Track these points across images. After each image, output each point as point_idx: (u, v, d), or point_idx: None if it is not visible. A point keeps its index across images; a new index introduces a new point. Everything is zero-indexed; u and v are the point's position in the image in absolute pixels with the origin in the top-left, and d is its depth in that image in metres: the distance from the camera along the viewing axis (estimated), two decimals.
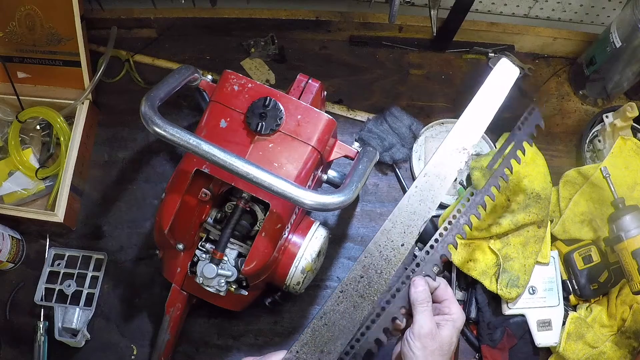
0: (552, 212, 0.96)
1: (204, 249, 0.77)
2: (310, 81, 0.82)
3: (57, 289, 0.90)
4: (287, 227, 0.76)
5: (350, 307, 0.66)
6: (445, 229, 0.73)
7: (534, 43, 1.11)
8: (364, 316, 0.66)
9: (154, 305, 0.90)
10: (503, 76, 0.73)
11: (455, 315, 0.67)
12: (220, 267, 0.73)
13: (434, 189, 0.69)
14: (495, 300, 0.90)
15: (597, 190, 0.93)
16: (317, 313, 0.66)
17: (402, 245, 0.68)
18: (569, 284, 0.91)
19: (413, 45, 1.11)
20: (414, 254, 0.96)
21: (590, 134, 1.03)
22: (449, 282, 0.92)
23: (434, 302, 0.69)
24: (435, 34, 1.05)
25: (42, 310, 0.89)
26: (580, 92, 1.09)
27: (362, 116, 1.04)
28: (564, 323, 0.89)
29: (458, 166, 0.70)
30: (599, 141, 1.02)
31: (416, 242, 0.96)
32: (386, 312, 0.69)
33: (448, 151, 0.71)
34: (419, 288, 0.67)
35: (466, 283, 0.92)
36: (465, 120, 0.72)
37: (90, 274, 0.91)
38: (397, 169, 1.00)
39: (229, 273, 0.74)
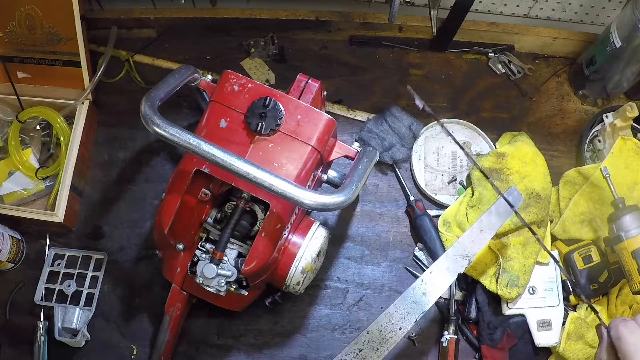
0: (552, 212, 0.96)
1: (204, 249, 0.77)
2: (310, 81, 0.82)
3: (57, 289, 0.90)
4: (287, 227, 0.76)
5: None
6: None
7: (534, 43, 1.11)
8: None
9: (154, 305, 0.90)
10: (511, 200, 0.77)
11: None
12: (220, 267, 0.73)
13: (436, 286, 0.76)
14: (495, 300, 0.90)
15: (597, 190, 0.93)
16: None
17: (400, 329, 0.74)
18: (569, 284, 0.91)
19: (413, 45, 1.11)
20: (414, 254, 0.96)
21: (590, 134, 1.03)
22: None
23: None
24: (435, 34, 1.05)
25: (42, 310, 0.89)
26: (580, 92, 1.09)
27: (362, 116, 1.04)
28: (564, 323, 0.89)
29: (459, 270, 0.77)
30: (599, 141, 1.02)
31: (415, 243, 0.96)
32: None
33: (453, 257, 0.77)
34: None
35: (466, 283, 0.92)
36: (473, 231, 0.78)
37: (90, 274, 0.91)
38: (397, 169, 1.00)
39: (229, 273, 0.74)
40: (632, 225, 0.82)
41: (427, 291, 0.75)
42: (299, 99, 0.80)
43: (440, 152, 1.03)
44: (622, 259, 0.83)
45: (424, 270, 0.94)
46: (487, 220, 0.77)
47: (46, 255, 0.92)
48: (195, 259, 0.77)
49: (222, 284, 0.74)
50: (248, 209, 0.77)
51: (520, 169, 0.94)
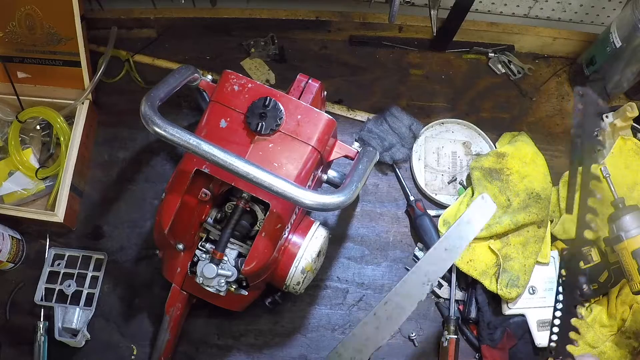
0: (552, 212, 0.96)
1: (204, 249, 0.77)
2: (310, 81, 0.82)
3: (57, 289, 0.90)
4: (287, 227, 0.76)
5: None
6: None
7: (534, 43, 1.11)
8: None
9: (154, 305, 0.90)
10: (481, 209, 0.69)
11: None
12: (220, 267, 0.73)
13: (392, 319, 0.68)
14: (495, 300, 0.90)
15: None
16: None
17: None
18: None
19: (413, 45, 1.11)
20: (414, 254, 0.96)
21: None
22: (449, 282, 0.92)
23: None
24: (435, 34, 1.05)
25: (42, 310, 0.89)
26: (580, 92, 1.09)
27: (362, 116, 1.04)
28: None
29: (420, 298, 0.68)
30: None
31: (415, 243, 0.96)
32: None
33: (413, 282, 0.68)
34: None
35: (466, 283, 0.92)
36: (436, 252, 0.68)
37: (90, 274, 0.91)
38: (397, 169, 1.00)
39: (229, 273, 0.74)
40: (632, 225, 0.82)
41: (382, 326, 0.68)
42: (299, 99, 0.80)
43: (440, 152, 1.03)
44: (622, 259, 0.83)
45: None
46: (456, 233, 0.68)
47: (46, 255, 0.92)
48: (195, 259, 0.77)
49: (222, 284, 0.74)
50: (248, 209, 0.77)
51: (520, 169, 0.94)
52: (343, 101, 1.06)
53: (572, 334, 0.85)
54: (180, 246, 0.76)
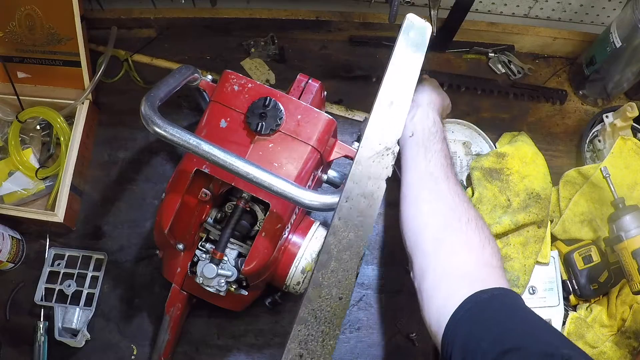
0: (552, 212, 0.96)
1: (204, 249, 0.77)
2: (310, 81, 0.82)
3: (57, 289, 0.90)
4: (287, 227, 0.76)
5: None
6: None
7: (534, 43, 1.11)
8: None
9: (154, 305, 0.90)
10: (413, 33, 0.56)
11: None
12: (220, 267, 0.73)
13: (362, 216, 0.55)
14: None
15: (597, 190, 0.93)
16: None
17: (340, 298, 0.56)
18: (569, 284, 0.91)
19: None
20: None
21: (590, 134, 1.03)
22: None
23: None
24: (435, 34, 1.04)
25: (42, 310, 0.89)
26: (580, 92, 1.09)
27: (360, 116, 1.04)
28: (564, 323, 0.89)
29: (385, 174, 0.54)
30: (599, 141, 1.02)
31: None
32: None
33: (367, 156, 0.56)
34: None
35: None
36: (379, 111, 0.55)
37: (90, 274, 0.91)
38: (397, 170, 1.00)
39: (229, 273, 0.74)
40: (632, 225, 0.82)
41: (351, 227, 0.55)
42: (299, 99, 0.80)
43: None
44: (622, 259, 0.83)
45: None
46: (394, 78, 0.55)
47: (46, 255, 0.92)
48: (195, 259, 0.77)
49: (222, 284, 0.74)
50: (248, 209, 0.77)
51: (520, 169, 0.94)
52: (343, 101, 1.06)
53: None
54: (180, 246, 0.76)
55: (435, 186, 0.70)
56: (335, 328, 0.55)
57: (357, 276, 0.57)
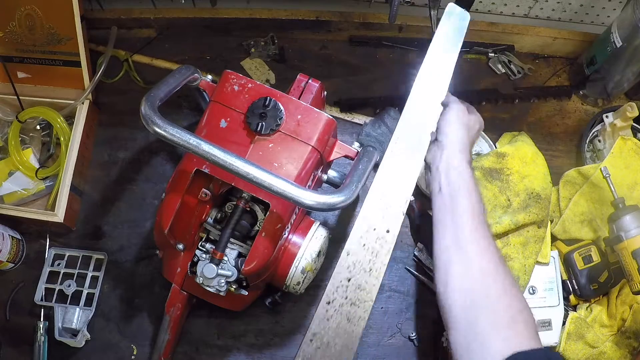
0: (552, 212, 0.96)
1: (204, 249, 0.77)
2: (310, 81, 0.82)
3: (57, 289, 0.90)
4: (287, 227, 0.76)
5: (344, 320, 0.56)
6: None
7: (534, 43, 1.11)
8: (363, 328, 0.56)
9: (154, 305, 0.90)
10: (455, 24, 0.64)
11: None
12: (220, 267, 0.73)
13: (414, 151, 0.60)
14: None
15: (597, 190, 0.93)
16: (305, 335, 0.55)
17: (388, 231, 0.58)
18: (569, 284, 0.91)
19: (413, 45, 1.11)
20: (414, 254, 0.96)
21: (590, 134, 1.03)
22: None
23: None
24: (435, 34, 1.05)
25: (42, 310, 0.89)
26: (580, 92, 1.09)
27: (359, 118, 1.04)
28: (564, 323, 0.89)
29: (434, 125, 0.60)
30: (599, 141, 1.02)
31: (415, 243, 0.96)
32: None
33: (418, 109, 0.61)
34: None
35: None
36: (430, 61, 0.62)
37: (90, 274, 0.91)
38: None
39: (229, 273, 0.74)
40: (632, 225, 0.82)
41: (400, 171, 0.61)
42: (299, 99, 0.80)
43: None
44: (622, 259, 0.83)
45: (424, 270, 0.94)
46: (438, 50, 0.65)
47: (46, 255, 0.92)
48: (195, 259, 0.77)
49: (222, 284, 0.74)
50: (248, 209, 0.77)
51: (520, 169, 0.94)
52: (342, 101, 1.06)
53: None
54: (180, 246, 0.76)
55: (463, 258, 0.65)
56: (383, 260, 0.55)
57: None
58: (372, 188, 0.63)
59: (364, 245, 0.57)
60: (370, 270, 0.57)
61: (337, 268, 0.57)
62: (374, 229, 0.57)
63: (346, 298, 0.56)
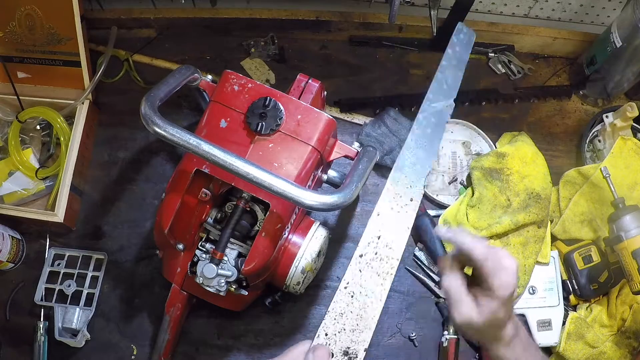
0: (552, 212, 0.96)
1: (204, 249, 0.77)
2: (310, 81, 0.82)
3: (57, 289, 0.90)
4: (287, 227, 0.76)
5: (374, 273, 0.59)
6: None
7: (534, 43, 1.11)
8: (390, 282, 0.59)
9: (154, 305, 0.90)
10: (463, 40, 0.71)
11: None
12: (220, 267, 0.73)
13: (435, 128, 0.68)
14: None
15: (597, 190, 0.93)
16: (340, 284, 0.59)
17: (412, 200, 0.66)
18: (569, 284, 0.91)
19: (413, 45, 1.11)
20: (414, 254, 0.96)
21: (590, 134, 1.03)
22: None
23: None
24: (435, 34, 1.05)
25: (42, 310, 0.89)
26: (580, 92, 1.09)
27: (359, 119, 1.04)
28: (564, 323, 0.89)
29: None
30: (599, 141, 1.02)
31: (416, 243, 0.96)
32: None
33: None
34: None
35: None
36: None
37: (90, 274, 0.91)
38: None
39: (229, 273, 0.74)
40: (632, 225, 0.83)
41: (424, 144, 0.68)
42: (299, 99, 0.80)
43: (440, 152, 1.02)
44: (622, 259, 0.83)
45: (424, 270, 0.94)
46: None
47: (46, 255, 0.92)
48: (195, 259, 0.77)
49: (222, 284, 0.74)
50: (248, 209, 0.77)
51: (520, 169, 0.94)
52: (342, 101, 1.06)
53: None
54: (180, 246, 0.76)
55: None
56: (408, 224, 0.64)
57: None
58: (401, 156, 0.70)
59: (392, 208, 0.65)
60: (396, 231, 0.64)
61: (368, 226, 0.64)
62: (400, 197, 0.66)
63: (376, 254, 0.62)
